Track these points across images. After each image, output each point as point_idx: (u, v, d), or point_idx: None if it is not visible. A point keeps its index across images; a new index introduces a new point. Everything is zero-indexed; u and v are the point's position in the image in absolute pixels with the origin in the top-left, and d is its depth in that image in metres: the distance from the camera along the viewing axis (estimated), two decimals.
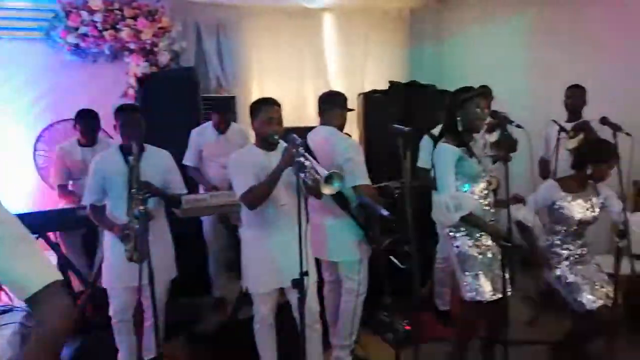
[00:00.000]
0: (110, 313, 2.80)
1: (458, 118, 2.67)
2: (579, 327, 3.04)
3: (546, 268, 2.94)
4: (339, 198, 2.82)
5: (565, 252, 2.91)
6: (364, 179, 2.78)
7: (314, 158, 2.79)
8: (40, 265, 1.20)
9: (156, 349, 2.69)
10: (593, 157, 2.83)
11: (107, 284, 2.80)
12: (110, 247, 2.77)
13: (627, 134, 2.68)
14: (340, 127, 3.00)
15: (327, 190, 2.22)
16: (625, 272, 3.01)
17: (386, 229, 3.84)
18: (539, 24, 4.85)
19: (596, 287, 2.84)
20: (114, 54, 4.62)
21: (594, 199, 2.89)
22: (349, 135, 3.41)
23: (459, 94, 2.71)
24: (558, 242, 2.93)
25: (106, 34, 4.44)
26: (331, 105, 3.00)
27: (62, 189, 3.75)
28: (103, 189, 2.76)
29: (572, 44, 4.45)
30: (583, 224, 2.89)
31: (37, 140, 4.45)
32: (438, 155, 2.73)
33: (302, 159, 2.21)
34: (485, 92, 2.69)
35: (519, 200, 2.75)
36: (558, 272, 2.91)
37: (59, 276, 1.19)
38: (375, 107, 5.36)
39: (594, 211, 2.88)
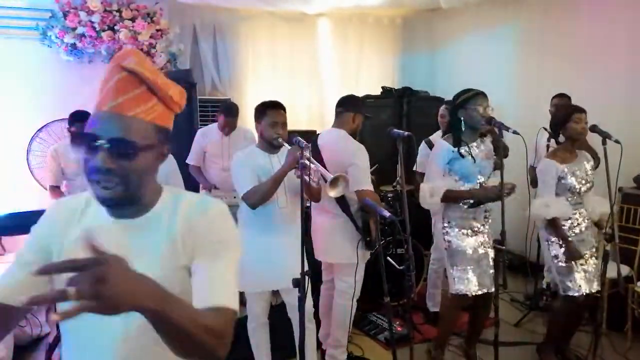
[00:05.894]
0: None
1: (461, 118, 2.80)
2: (556, 307, 3.11)
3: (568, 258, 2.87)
4: (341, 201, 2.88)
5: (568, 223, 2.90)
6: (366, 185, 2.80)
7: (322, 159, 2.86)
8: None
9: None
10: (560, 117, 2.93)
11: None
12: None
13: (617, 141, 2.68)
14: (352, 131, 3.01)
15: (332, 193, 2.28)
16: (610, 275, 3.12)
17: (383, 230, 3.93)
18: (527, 34, 4.97)
19: (587, 276, 2.88)
20: (111, 54, 4.62)
21: (586, 164, 2.95)
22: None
23: (461, 95, 2.83)
24: None
25: (104, 34, 4.44)
26: (344, 108, 3.04)
27: (55, 189, 3.70)
28: None
29: (559, 54, 4.58)
30: (584, 191, 2.92)
31: (32, 140, 4.43)
32: (434, 150, 2.93)
33: (306, 161, 2.25)
34: (483, 93, 2.79)
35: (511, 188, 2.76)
36: (554, 251, 2.93)
37: None
38: (368, 111, 5.43)
39: (587, 176, 2.92)
